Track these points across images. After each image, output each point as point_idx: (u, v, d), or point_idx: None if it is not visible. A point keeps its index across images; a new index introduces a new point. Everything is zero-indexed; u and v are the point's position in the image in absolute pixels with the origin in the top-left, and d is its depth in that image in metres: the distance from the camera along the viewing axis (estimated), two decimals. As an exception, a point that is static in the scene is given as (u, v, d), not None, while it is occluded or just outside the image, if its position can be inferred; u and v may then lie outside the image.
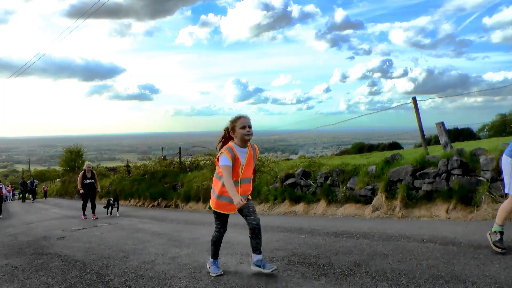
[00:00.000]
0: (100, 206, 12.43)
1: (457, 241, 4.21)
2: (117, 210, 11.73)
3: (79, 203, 12.50)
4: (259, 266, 3.56)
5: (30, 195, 26.97)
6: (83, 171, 11.22)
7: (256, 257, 3.60)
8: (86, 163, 11.80)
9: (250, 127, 3.58)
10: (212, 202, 3.71)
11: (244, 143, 3.60)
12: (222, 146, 3.68)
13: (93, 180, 11.33)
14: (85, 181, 11.12)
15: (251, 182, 3.76)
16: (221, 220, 3.75)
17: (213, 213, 3.76)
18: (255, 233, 3.57)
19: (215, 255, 3.82)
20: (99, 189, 11.63)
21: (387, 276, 3.22)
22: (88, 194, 11.13)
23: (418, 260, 3.62)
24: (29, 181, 26.87)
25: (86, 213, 10.95)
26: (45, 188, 30.76)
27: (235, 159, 3.52)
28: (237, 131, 3.55)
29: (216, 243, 3.79)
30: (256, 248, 3.60)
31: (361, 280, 3.19)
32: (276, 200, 9.53)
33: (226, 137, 3.72)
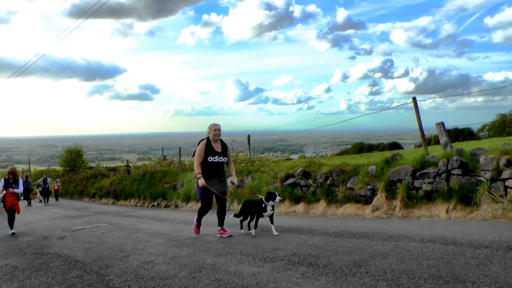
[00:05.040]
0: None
1: (457, 241, 4.20)
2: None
3: (79, 203, 12.48)
4: None
5: (41, 196, 23.26)
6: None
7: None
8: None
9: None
10: None
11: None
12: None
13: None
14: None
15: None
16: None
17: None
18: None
19: None
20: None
21: (387, 276, 3.22)
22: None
23: (418, 260, 3.62)
24: (42, 179, 23.15)
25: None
26: (56, 187, 26.19)
27: None
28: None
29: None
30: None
31: (361, 280, 3.19)
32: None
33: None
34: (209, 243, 5.37)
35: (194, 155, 5.99)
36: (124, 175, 20.36)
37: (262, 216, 5.73)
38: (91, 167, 33.03)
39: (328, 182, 8.56)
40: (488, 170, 6.02)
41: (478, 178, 6.14)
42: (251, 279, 3.46)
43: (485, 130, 34.84)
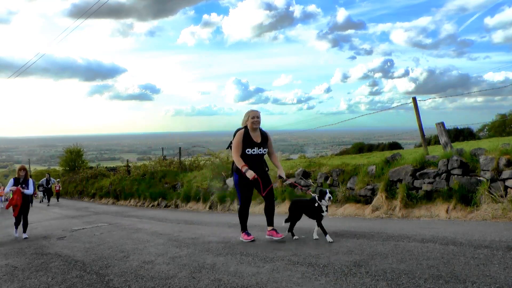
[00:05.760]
0: None
1: (457, 241, 4.20)
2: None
3: (79, 203, 12.46)
4: None
5: (43, 196, 22.67)
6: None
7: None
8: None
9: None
10: None
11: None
12: None
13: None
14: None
15: None
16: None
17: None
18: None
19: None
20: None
21: (387, 276, 3.22)
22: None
23: (418, 260, 3.61)
24: (45, 178, 22.28)
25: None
26: (58, 188, 24.86)
27: None
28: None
29: None
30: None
31: (361, 280, 3.19)
32: (276, 200, 9.52)
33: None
34: (209, 243, 5.37)
35: (229, 146, 5.34)
36: (124, 175, 20.36)
37: (322, 217, 4.93)
38: (91, 167, 33.02)
39: (328, 182, 8.56)
40: (488, 170, 6.02)
41: (478, 178, 6.14)
42: (251, 279, 3.46)
43: (485, 130, 34.82)
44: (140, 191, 16.79)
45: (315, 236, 4.96)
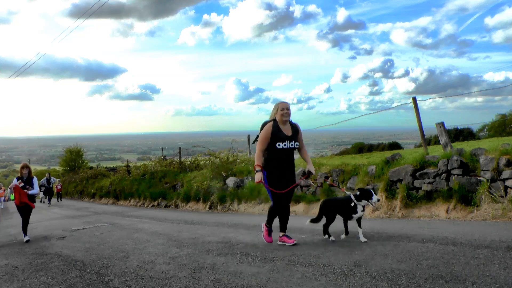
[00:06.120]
0: None
1: (457, 241, 4.20)
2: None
3: (79, 203, 12.46)
4: None
5: (44, 196, 22.66)
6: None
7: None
8: None
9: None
10: None
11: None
12: None
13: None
14: None
15: None
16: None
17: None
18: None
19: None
20: None
21: (387, 276, 3.22)
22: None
23: (418, 260, 3.61)
24: (45, 178, 21.97)
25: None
26: (59, 187, 24.52)
27: None
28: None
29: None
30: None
31: (361, 280, 3.19)
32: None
33: None
34: (209, 243, 5.37)
35: (255, 141, 4.96)
36: (124, 175, 20.36)
37: (351, 218, 4.72)
38: (91, 167, 33.03)
39: (328, 182, 8.56)
40: (488, 170, 6.02)
41: (478, 178, 6.14)
42: (251, 279, 3.46)
43: (485, 130, 34.80)
44: (140, 191, 16.79)
45: (363, 239, 4.58)
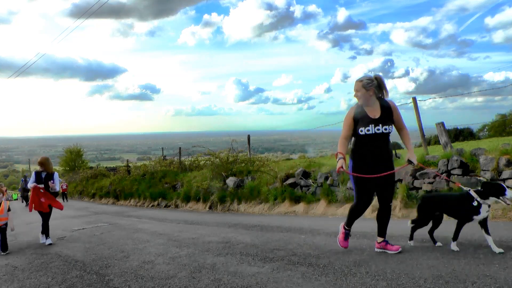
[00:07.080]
0: None
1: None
2: None
3: (79, 203, 12.44)
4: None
5: None
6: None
7: None
8: None
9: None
10: None
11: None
12: None
13: None
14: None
15: None
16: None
17: None
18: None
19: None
20: None
21: (387, 276, 3.22)
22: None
23: (418, 260, 3.61)
24: None
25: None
26: (64, 187, 23.33)
27: None
28: None
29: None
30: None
31: (361, 280, 3.19)
32: (276, 200, 9.52)
33: None
34: (209, 243, 5.37)
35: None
36: (124, 175, 20.35)
37: (471, 219, 3.73)
38: (91, 167, 33.05)
39: (328, 182, 8.56)
40: (488, 170, 6.02)
41: (478, 178, 6.14)
42: (251, 279, 3.46)
43: (485, 130, 34.79)
44: (140, 191, 16.79)
45: (497, 249, 3.59)
